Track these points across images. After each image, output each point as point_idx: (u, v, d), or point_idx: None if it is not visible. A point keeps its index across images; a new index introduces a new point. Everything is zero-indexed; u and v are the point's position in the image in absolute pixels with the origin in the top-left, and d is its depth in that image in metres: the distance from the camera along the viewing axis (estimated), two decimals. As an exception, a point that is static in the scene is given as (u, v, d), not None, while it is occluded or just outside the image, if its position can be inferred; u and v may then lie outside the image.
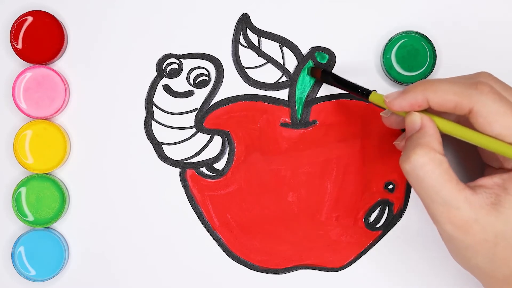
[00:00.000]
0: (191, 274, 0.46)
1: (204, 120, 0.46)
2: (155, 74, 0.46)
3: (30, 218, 0.44)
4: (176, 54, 0.46)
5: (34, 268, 0.44)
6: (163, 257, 0.46)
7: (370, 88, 0.41)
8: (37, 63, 0.44)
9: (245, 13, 0.45)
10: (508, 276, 0.36)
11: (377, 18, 0.45)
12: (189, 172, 0.46)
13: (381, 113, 0.41)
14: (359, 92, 0.41)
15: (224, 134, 0.46)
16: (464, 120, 0.37)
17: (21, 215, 0.44)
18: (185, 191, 0.46)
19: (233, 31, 0.46)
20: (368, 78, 0.45)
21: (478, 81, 0.36)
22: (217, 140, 0.46)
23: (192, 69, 0.46)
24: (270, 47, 0.46)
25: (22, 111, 0.44)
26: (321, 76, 0.44)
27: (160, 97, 0.46)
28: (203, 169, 0.46)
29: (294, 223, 0.46)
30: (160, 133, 0.46)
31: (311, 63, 0.45)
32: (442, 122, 0.37)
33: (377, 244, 0.46)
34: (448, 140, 0.43)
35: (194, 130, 0.46)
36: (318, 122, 0.46)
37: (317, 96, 0.45)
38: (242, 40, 0.46)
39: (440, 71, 0.45)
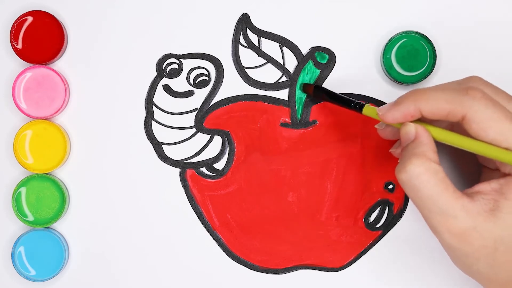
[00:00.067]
0: (191, 274, 0.46)
1: (204, 120, 0.46)
2: (155, 74, 0.46)
3: (30, 218, 0.44)
4: (176, 54, 0.46)
5: (34, 268, 0.44)
6: (163, 257, 0.46)
7: (370, 89, 0.41)
8: (37, 63, 0.44)
9: (245, 13, 0.45)
10: (509, 280, 0.36)
11: (377, 18, 0.45)
12: (189, 172, 0.46)
13: (376, 126, 0.40)
14: (352, 106, 0.40)
15: (224, 134, 0.46)
16: (458, 126, 0.37)
17: (21, 215, 0.44)
18: (185, 191, 0.46)
19: (233, 31, 0.46)
20: (368, 78, 0.45)
21: (469, 86, 0.36)
22: (217, 140, 0.46)
23: (192, 69, 0.46)
24: (270, 47, 0.46)
25: (22, 111, 0.44)
26: (314, 92, 0.44)
27: (160, 97, 0.46)
28: (203, 169, 0.46)
29: (294, 223, 0.46)
30: (160, 133, 0.46)
31: (311, 63, 0.45)
32: (436, 131, 0.37)
33: (377, 244, 0.46)
34: (443, 147, 0.43)
35: (194, 130, 0.46)
36: (318, 122, 0.46)
37: (317, 96, 0.46)
38: (242, 40, 0.46)
39: (440, 71, 0.45)
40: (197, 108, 0.46)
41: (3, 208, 0.46)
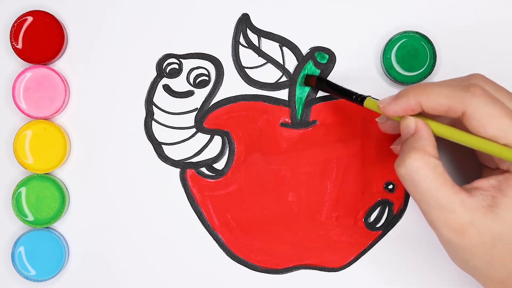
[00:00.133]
0: (191, 274, 0.46)
1: (204, 120, 0.46)
2: (155, 74, 0.46)
3: (30, 218, 0.44)
4: (176, 54, 0.46)
5: (34, 268, 0.44)
6: (163, 257, 0.46)
7: (370, 89, 0.41)
8: (37, 63, 0.44)
9: (245, 13, 0.45)
10: (506, 278, 0.36)
11: (377, 18, 0.45)
12: (189, 172, 0.46)
13: (376, 119, 0.41)
14: (353, 99, 0.41)
15: (224, 134, 0.46)
16: (458, 122, 0.37)
17: (21, 215, 0.44)
18: (185, 191, 0.46)
19: (233, 31, 0.46)
20: (368, 78, 0.45)
21: (470, 83, 0.36)
22: (217, 140, 0.46)
23: (192, 69, 0.46)
24: (270, 47, 0.46)
25: (22, 111, 0.44)
26: (316, 83, 0.44)
27: (160, 97, 0.46)
28: (203, 169, 0.46)
29: (294, 223, 0.46)
30: (160, 133, 0.46)
31: (311, 63, 0.45)
32: (436, 126, 0.37)
33: (377, 244, 0.46)
34: (443, 143, 0.43)
35: (194, 130, 0.46)
36: (318, 122, 0.46)
37: (317, 96, 0.45)
38: (242, 40, 0.46)
39: (440, 71, 0.45)
40: (197, 108, 0.46)
41: (3, 208, 0.46)
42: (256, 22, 0.45)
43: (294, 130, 0.46)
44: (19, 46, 0.44)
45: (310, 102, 0.45)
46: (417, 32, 0.44)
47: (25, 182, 0.44)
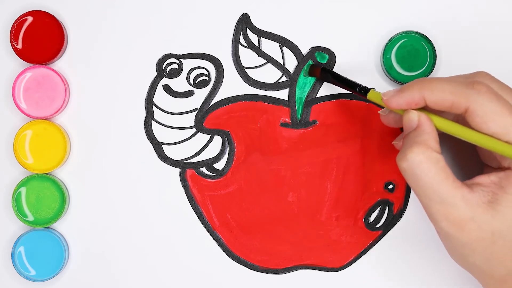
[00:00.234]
0: (191, 274, 0.46)
1: (204, 120, 0.46)
2: (155, 74, 0.46)
3: (30, 218, 0.44)
4: (176, 54, 0.46)
5: (34, 268, 0.44)
6: (163, 257, 0.46)
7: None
8: (37, 63, 0.44)
9: (245, 13, 0.45)
10: (505, 275, 0.36)
11: (377, 18, 0.45)
12: (189, 172, 0.46)
13: (379, 112, 0.41)
14: (357, 90, 0.41)
15: (224, 134, 0.46)
16: (461, 119, 0.37)
17: (21, 215, 0.44)
18: (185, 191, 0.46)
19: (233, 31, 0.46)
20: (368, 78, 0.45)
21: (475, 80, 0.36)
22: (217, 140, 0.46)
23: (192, 69, 0.46)
24: (270, 47, 0.46)
25: (22, 111, 0.44)
26: (320, 74, 0.44)
27: (160, 97, 0.46)
28: (203, 169, 0.46)
29: (294, 223, 0.46)
30: (160, 133, 0.46)
31: (311, 63, 0.45)
32: (439, 121, 0.37)
33: (377, 244, 0.46)
34: (446, 139, 0.43)
35: (194, 130, 0.46)
36: (318, 122, 0.46)
37: (317, 96, 0.46)
38: (242, 40, 0.46)
39: (440, 71, 0.45)
40: (197, 108, 0.46)
41: (3, 208, 0.46)
42: (256, 22, 0.45)
43: (294, 130, 0.46)
44: (19, 46, 0.44)
45: (310, 102, 0.45)
46: (417, 32, 0.44)
47: (25, 182, 0.44)
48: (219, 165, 0.46)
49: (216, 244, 0.46)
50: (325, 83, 0.45)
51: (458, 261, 0.38)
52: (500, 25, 0.45)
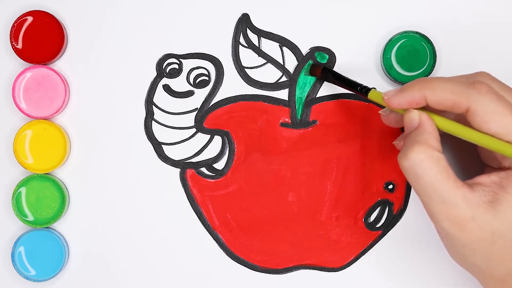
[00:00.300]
0: (191, 274, 0.46)
1: (204, 120, 0.46)
2: (155, 74, 0.46)
3: (30, 218, 0.44)
4: (176, 54, 0.46)
5: (34, 268, 0.44)
6: (163, 257, 0.46)
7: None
8: (37, 63, 0.44)
9: (245, 13, 0.45)
10: (505, 275, 0.36)
11: (377, 18, 0.45)
12: (189, 172, 0.46)
13: (380, 111, 0.41)
14: (358, 90, 0.41)
15: (224, 134, 0.46)
16: (462, 118, 0.37)
17: (21, 215, 0.44)
18: (185, 191, 0.46)
19: (233, 31, 0.46)
20: (368, 78, 0.45)
21: (476, 80, 0.36)
22: (217, 140, 0.46)
23: (192, 69, 0.46)
24: (270, 47, 0.46)
25: (22, 111, 0.44)
26: (321, 74, 0.44)
27: (160, 97, 0.46)
28: (203, 169, 0.46)
29: (294, 223, 0.46)
30: (160, 133, 0.46)
31: (311, 63, 0.45)
32: (440, 120, 0.37)
33: (377, 244, 0.46)
34: (447, 139, 0.43)
35: (194, 130, 0.46)
36: (318, 122, 0.46)
37: (317, 96, 0.46)
38: (242, 40, 0.46)
39: (440, 71, 0.45)
40: (197, 108, 0.46)
41: (3, 208, 0.46)
42: (256, 22, 0.45)
43: (294, 130, 0.46)
44: (19, 46, 0.44)
45: (310, 102, 0.45)
46: (417, 32, 0.44)
47: (25, 182, 0.44)
48: (219, 165, 0.46)
49: (216, 244, 0.46)
50: (325, 83, 0.45)
51: (458, 261, 0.38)
52: (500, 25, 0.45)
